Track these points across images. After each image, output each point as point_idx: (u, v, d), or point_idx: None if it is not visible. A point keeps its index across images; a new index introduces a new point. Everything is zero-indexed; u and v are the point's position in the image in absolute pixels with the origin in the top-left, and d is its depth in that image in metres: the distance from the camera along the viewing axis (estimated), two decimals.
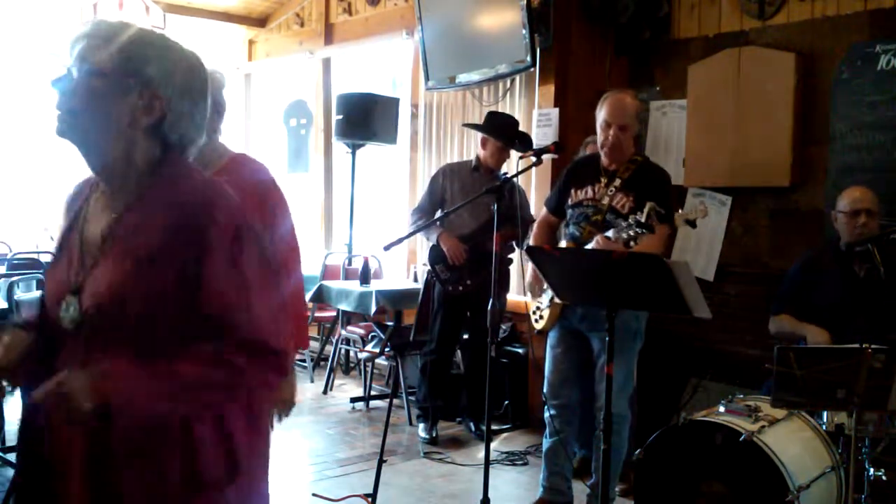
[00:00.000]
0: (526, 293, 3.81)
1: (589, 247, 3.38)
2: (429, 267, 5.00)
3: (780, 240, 4.43)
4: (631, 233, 3.11)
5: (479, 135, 4.91)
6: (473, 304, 4.84)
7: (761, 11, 4.49)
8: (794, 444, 2.97)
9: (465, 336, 5.14)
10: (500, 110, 5.54)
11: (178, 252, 1.39)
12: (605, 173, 3.52)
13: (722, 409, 3.08)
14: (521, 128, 5.33)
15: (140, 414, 1.34)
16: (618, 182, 3.46)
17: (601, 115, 3.49)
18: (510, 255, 4.94)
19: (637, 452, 3.12)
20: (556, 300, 3.54)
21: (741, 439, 2.81)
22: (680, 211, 4.04)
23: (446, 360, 5.07)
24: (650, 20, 4.92)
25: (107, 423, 1.31)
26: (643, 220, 3.27)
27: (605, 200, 3.46)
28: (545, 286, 3.64)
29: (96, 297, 1.40)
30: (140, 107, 1.42)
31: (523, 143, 5.00)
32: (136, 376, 1.34)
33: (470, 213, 4.67)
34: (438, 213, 4.95)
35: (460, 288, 4.83)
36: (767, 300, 3.91)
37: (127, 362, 1.35)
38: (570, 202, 3.60)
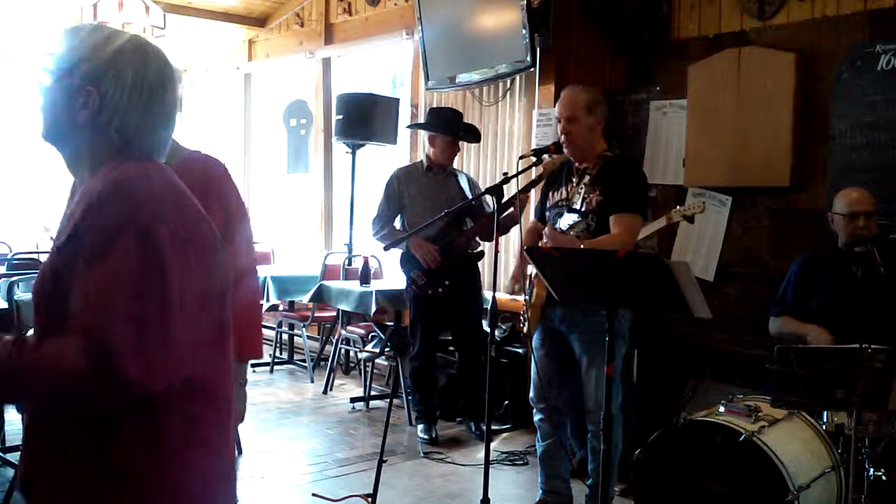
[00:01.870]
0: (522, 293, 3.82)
1: (542, 241, 3.43)
2: (404, 276, 4.94)
3: (780, 240, 4.43)
4: (570, 222, 3.18)
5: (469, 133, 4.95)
6: (452, 305, 4.84)
7: (761, 11, 4.49)
8: (794, 444, 2.97)
9: (450, 337, 5.13)
10: (499, 110, 5.56)
11: (75, 246, 1.37)
12: (577, 172, 3.54)
13: (722, 409, 3.08)
14: (522, 128, 5.34)
15: None
16: (587, 179, 3.48)
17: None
18: (479, 250, 4.95)
19: (637, 452, 3.11)
20: (535, 300, 3.55)
21: (741, 439, 2.81)
22: (678, 207, 4.07)
23: (432, 362, 5.05)
24: (650, 20, 4.92)
25: None
26: (580, 207, 3.32)
27: (576, 198, 3.48)
28: (527, 285, 3.66)
29: (37, 285, 1.45)
30: (79, 104, 1.44)
31: (470, 133, 5.02)
32: None
33: (432, 214, 4.53)
34: (398, 220, 4.92)
35: (440, 290, 4.79)
36: (767, 300, 3.92)
37: None
38: (547, 205, 3.63)
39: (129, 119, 1.47)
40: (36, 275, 1.46)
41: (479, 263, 5.05)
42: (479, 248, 4.96)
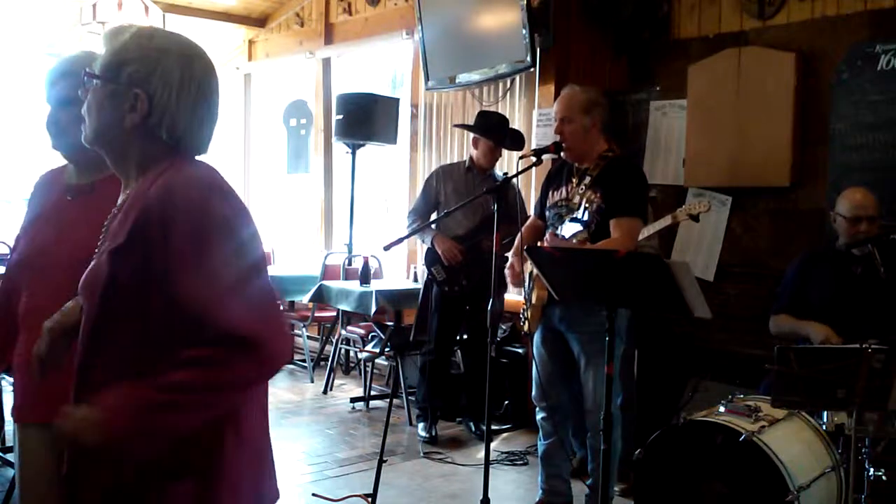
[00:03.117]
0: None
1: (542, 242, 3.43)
2: (426, 269, 5.00)
3: (780, 240, 4.43)
4: (573, 231, 3.18)
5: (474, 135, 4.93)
6: (471, 305, 4.85)
7: (761, 11, 4.49)
8: (794, 444, 2.97)
9: (465, 336, 5.15)
10: (499, 110, 5.55)
11: (137, 250, 1.38)
12: (578, 172, 3.53)
13: (722, 409, 3.07)
14: (522, 128, 5.33)
15: (144, 436, 1.35)
16: (587, 180, 3.47)
17: None
18: (507, 254, 4.93)
19: (637, 452, 3.11)
20: (535, 301, 3.56)
21: (741, 439, 2.80)
22: (683, 206, 4.06)
23: (445, 360, 5.07)
24: (650, 20, 4.93)
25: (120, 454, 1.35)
26: (583, 217, 3.32)
27: (576, 199, 3.47)
28: (527, 284, 3.66)
29: (82, 282, 1.44)
30: (127, 108, 1.45)
31: (515, 141, 5.02)
32: (129, 404, 1.34)
33: (464, 214, 4.64)
34: (434, 216, 4.96)
35: (456, 289, 4.83)
36: (767, 300, 3.92)
37: (118, 392, 1.35)
38: (547, 204, 3.62)
39: (179, 119, 1.47)
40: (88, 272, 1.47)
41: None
42: (507, 254, 4.93)
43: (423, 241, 5.07)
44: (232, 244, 1.40)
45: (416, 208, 5.06)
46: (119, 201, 1.52)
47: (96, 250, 1.50)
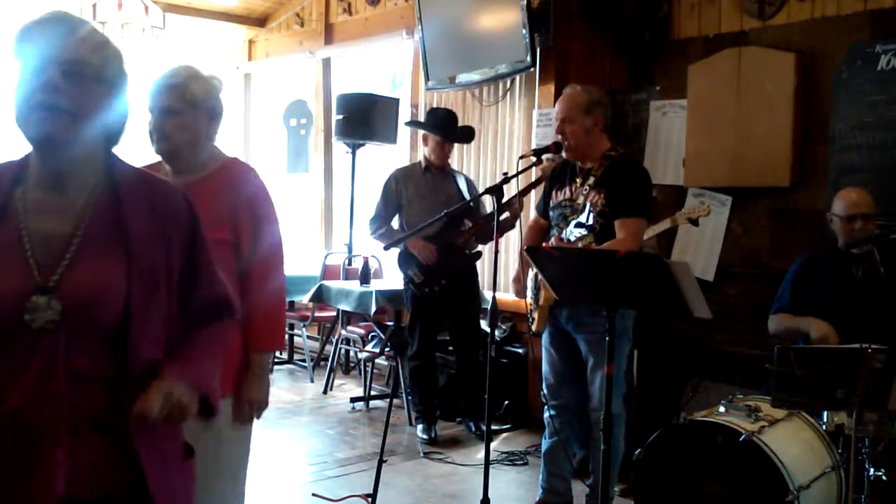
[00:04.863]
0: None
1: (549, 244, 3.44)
2: (402, 275, 4.95)
3: (780, 240, 4.43)
4: (578, 235, 3.19)
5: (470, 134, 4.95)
6: (450, 304, 4.85)
7: (761, 11, 4.49)
8: (794, 444, 2.97)
9: (448, 337, 5.13)
10: (499, 110, 5.56)
11: (162, 239, 1.51)
12: (581, 172, 3.53)
13: (722, 409, 3.08)
14: (522, 128, 5.34)
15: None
16: (591, 180, 3.46)
17: None
18: (476, 251, 4.95)
19: (637, 452, 3.11)
20: (542, 301, 3.56)
21: (741, 439, 2.81)
22: (682, 210, 4.07)
23: (431, 361, 5.05)
24: (650, 20, 4.92)
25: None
26: (588, 221, 3.32)
27: (580, 199, 3.47)
28: (528, 285, 3.67)
29: (81, 294, 1.40)
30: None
31: (465, 135, 5.02)
32: (201, 368, 1.57)
33: (430, 214, 4.50)
34: (396, 218, 4.94)
35: (436, 289, 4.79)
36: (767, 300, 3.91)
37: (182, 362, 1.53)
38: (551, 204, 3.62)
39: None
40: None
41: (478, 264, 5.05)
42: (476, 249, 4.96)
43: (395, 246, 4.82)
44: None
45: (379, 214, 4.96)
46: (72, 211, 1.49)
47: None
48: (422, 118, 6.16)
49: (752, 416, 2.98)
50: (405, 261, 4.87)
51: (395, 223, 4.97)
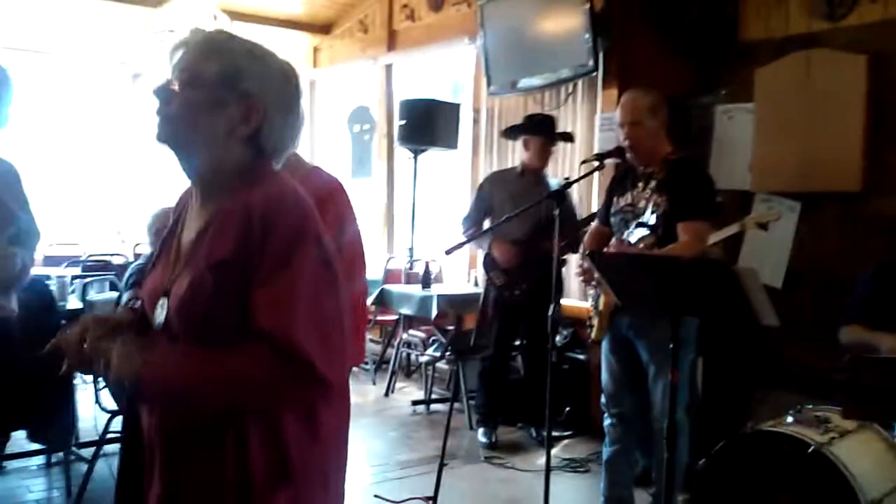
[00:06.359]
0: (588, 298, 3.79)
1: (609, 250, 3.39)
2: (484, 275, 5.01)
3: (851, 246, 4.31)
4: (640, 236, 3.13)
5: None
6: (529, 309, 4.84)
7: (831, 13, 4.38)
8: (865, 456, 2.88)
9: (524, 341, 5.13)
10: (561, 115, 5.53)
11: (241, 258, 1.42)
12: (643, 177, 3.49)
13: (790, 419, 3.00)
14: (583, 132, 5.31)
15: (165, 389, 1.42)
16: (653, 184, 3.43)
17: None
18: (563, 258, 4.92)
19: (700, 462, 3.07)
20: (602, 308, 3.53)
21: (809, 451, 2.74)
22: (752, 214, 3.99)
23: (504, 365, 5.07)
24: (716, 22, 4.85)
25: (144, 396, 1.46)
26: (650, 221, 3.27)
27: (642, 204, 3.43)
28: (594, 292, 3.63)
29: (177, 299, 1.47)
30: (238, 118, 1.48)
31: (565, 138, 5.03)
32: (171, 354, 1.45)
33: (521, 219, 4.56)
34: (487, 222, 4.97)
35: (516, 293, 4.82)
36: (838, 309, 3.80)
37: (172, 346, 1.46)
38: (613, 210, 3.59)
39: (282, 133, 1.53)
40: (183, 290, 1.47)
41: (563, 271, 5.03)
42: (564, 256, 4.93)
43: (479, 248, 5.08)
44: (318, 261, 1.43)
45: (469, 215, 5.07)
46: (204, 218, 1.52)
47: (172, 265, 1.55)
48: (483, 123, 6.19)
49: (821, 427, 2.90)
50: (489, 263, 4.93)
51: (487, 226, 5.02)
